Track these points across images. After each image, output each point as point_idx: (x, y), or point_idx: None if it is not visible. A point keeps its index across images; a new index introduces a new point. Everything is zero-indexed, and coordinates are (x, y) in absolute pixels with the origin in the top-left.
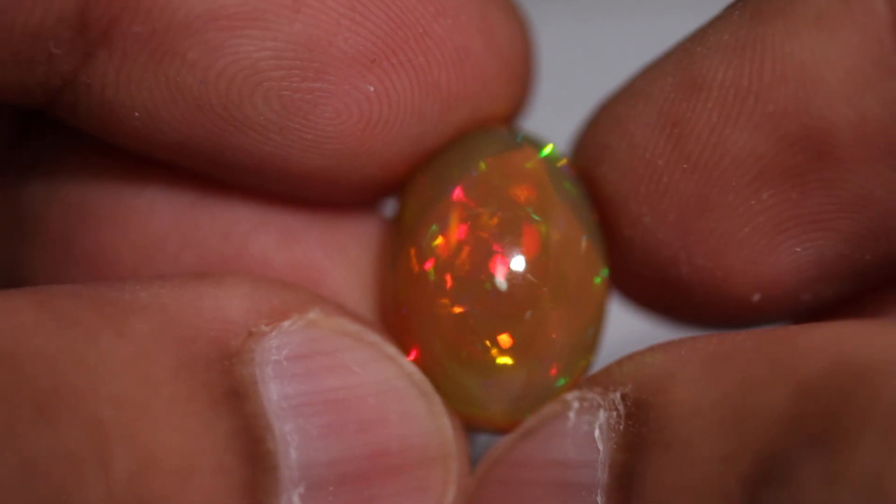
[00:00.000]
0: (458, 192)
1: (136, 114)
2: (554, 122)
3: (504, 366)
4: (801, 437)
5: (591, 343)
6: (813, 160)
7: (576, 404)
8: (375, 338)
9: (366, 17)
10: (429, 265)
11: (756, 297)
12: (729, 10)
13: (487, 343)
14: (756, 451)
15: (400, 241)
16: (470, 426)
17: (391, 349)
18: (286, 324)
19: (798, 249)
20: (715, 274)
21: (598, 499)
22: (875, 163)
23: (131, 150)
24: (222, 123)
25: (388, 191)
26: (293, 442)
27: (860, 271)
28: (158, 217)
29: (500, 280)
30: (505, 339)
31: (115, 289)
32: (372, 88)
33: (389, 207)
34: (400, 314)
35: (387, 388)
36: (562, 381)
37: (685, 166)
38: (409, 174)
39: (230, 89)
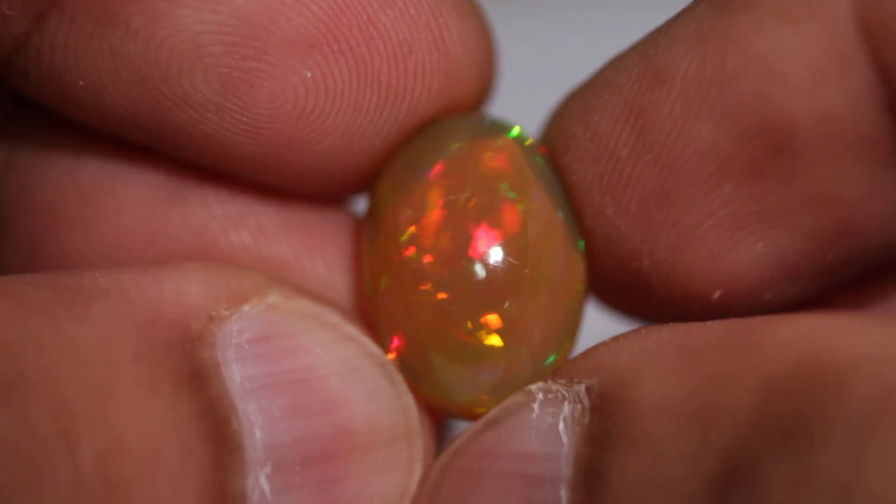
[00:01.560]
0: (432, 177)
1: (81, 82)
2: (522, 114)
3: (491, 350)
4: (767, 438)
5: (574, 322)
6: (773, 154)
7: (540, 395)
8: (336, 319)
9: None
10: (408, 253)
11: (717, 295)
12: (696, 2)
13: (473, 327)
14: (722, 450)
15: (375, 232)
16: (455, 414)
17: (352, 330)
18: (246, 308)
19: (759, 245)
20: (676, 269)
21: (562, 493)
22: (836, 158)
23: (79, 121)
24: (162, 98)
25: (327, 183)
26: (257, 422)
27: (823, 271)
28: (128, 216)
29: (482, 263)
30: (491, 321)
31: (74, 276)
32: (309, 74)
33: (361, 202)
34: (381, 305)
35: (349, 368)
36: (549, 361)
37: (648, 157)
38: (355, 167)
39: (170, 62)
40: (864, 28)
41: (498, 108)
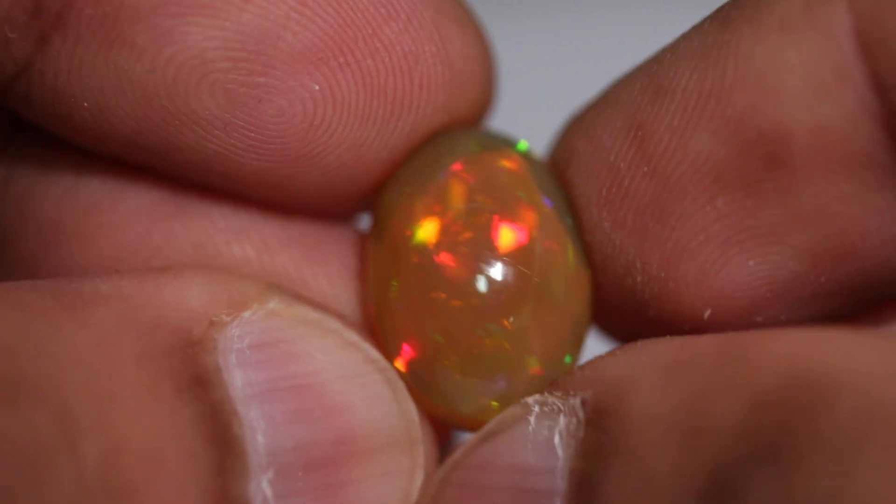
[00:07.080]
0: (447, 179)
1: (86, 104)
2: (515, 117)
3: (503, 355)
4: (753, 452)
5: (578, 336)
6: (768, 168)
7: (536, 408)
8: (337, 325)
9: (316, 13)
10: (422, 257)
11: (707, 314)
12: (703, 20)
13: (486, 332)
14: (710, 464)
15: (381, 242)
16: (460, 425)
17: (353, 336)
18: (247, 313)
19: (751, 263)
20: (667, 285)
21: None
22: (831, 174)
23: (82, 144)
24: (169, 117)
25: (333, 198)
26: (260, 428)
27: (816, 295)
28: (129, 230)
29: (496, 269)
30: (501, 330)
31: (75, 282)
32: (317, 87)
33: (364, 217)
34: (390, 312)
35: (350, 373)
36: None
37: (645, 170)
38: (361, 181)
39: (177, 79)
40: (862, 43)
41: (503, 119)
